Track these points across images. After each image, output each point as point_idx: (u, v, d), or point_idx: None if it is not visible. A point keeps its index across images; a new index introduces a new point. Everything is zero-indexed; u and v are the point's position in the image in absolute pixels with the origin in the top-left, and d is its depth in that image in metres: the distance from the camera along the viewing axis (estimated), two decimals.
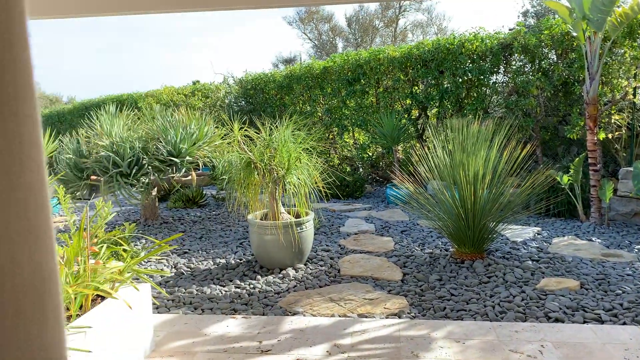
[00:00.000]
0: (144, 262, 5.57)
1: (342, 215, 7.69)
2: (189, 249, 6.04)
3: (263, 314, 4.00)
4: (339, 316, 3.90)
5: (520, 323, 3.64)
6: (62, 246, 3.24)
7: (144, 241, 6.45)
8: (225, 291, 4.55)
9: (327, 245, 5.94)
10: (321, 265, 5.19)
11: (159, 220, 7.55)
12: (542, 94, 8.13)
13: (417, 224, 6.95)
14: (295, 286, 4.63)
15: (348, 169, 10.44)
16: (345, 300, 4.22)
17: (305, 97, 11.03)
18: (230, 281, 4.80)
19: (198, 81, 15.19)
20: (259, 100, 11.63)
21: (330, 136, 10.89)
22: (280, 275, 4.92)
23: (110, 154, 6.43)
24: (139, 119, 7.66)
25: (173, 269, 5.32)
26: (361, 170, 10.49)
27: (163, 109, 7.97)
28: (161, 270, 5.09)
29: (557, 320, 3.71)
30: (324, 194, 5.30)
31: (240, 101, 11.99)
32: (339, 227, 6.89)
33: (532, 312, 3.84)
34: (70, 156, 6.60)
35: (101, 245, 3.28)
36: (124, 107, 8.67)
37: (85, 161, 6.55)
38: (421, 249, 5.66)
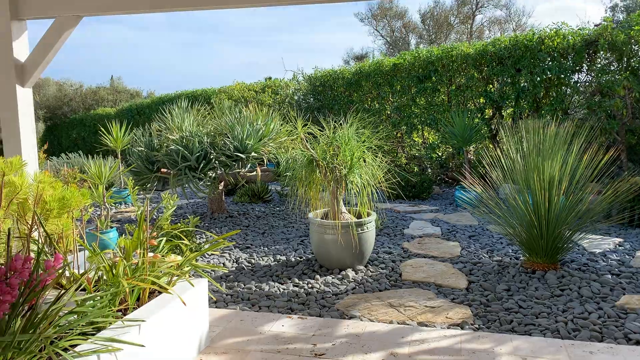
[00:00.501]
0: (207, 254, 5.65)
1: (406, 216, 7.48)
2: (251, 244, 6.08)
3: (319, 316, 3.92)
4: (398, 323, 3.75)
5: (595, 343, 3.34)
6: (125, 238, 3.31)
7: (209, 234, 6.57)
8: (284, 289, 4.51)
9: (389, 248, 5.78)
10: (382, 268, 5.05)
11: (225, 214, 7.67)
12: (629, 95, 7.52)
13: (486, 229, 6.63)
14: (354, 288, 4.52)
15: (415, 169, 10.17)
16: (405, 307, 4.06)
17: (373, 94, 10.87)
18: (289, 279, 4.76)
19: (269, 78, 15.38)
20: (327, 97, 11.58)
21: (398, 135, 10.66)
22: (340, 276, 4.83)
23: (180, 147, 6.58)
24: (208, 114, 7.82)
25: (234, 263, 5.35)
26: (429, 170, 10.20)
27: (232, 104, 8.09)
28: (221, 265, 5.14)
29: (638, 342, 3.37)
30: (388, 194, 5.14)
31: (309, 98, 12.00)
32: (403, 229, 6.70)
33: (609, 331, 3.52)
34: (142, 149, 6.82)
35: (161, 238, 3.32)
36: (197, 103, 8.89)
37: (156, 154, 6.74)
38: (489, 256, 5.38)
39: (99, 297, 2.54)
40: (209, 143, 6.74)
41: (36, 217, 3.12)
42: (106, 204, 5.85)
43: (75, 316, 2.39)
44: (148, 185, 6.92)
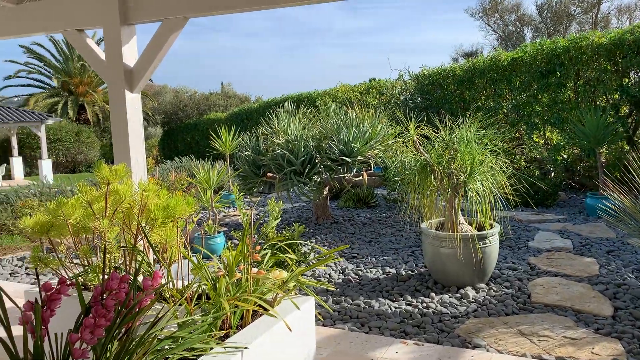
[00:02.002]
0: (311, 262, 5.40)
1: (530, 226, 6.73)
2: (357, 253, 5.73)
3: (438, 342, 3.47)
4: (532, 357, 3.20)
5: None
6: (228, 250, 3.11)
7: (313, 241, 6.32)
8: (395, 307, 4.11)
9: (513, 263, 5.15)
10: (507, 287, 4.47)
11: (329, 220, 7.41)
12: None
13: (627, 243, 5.74)
14: (475, 310, 4.00)
15: (537, 172, 9.26)
16: (539, 336, 3.48)
17: (488, 92, 10.08)
18: (401, 296, 4.35)
19: (374, 78, 15.00)
20: (436, 97, 10.97)
21: (517, 135, 9.78)
22: (458, 294, 4.32)
23: (285, 152, 6.41)
24: (314, 117, 7.61)
25: (341, 274, 5.04)
26: (553, 174, 9.23)
27: (337, 107, 7.82)
28: (326, 279, 4.83)
29: None
30: (507, 201, 4.54)
31: (416, 98, 11.45)
32: (527, 240, 5.99)
33: None
34: (249, 153, 6.75)
35: (265, 251, 3.07)
36: (302, 105, 8.74)
37: (262, 158, 6.63)
38: (636, 277, 4.58)
39: (199, 320, 2.31)
40: (314, 147, 6.50)
41: (140, 227, 2.99)
42: (214, 208, 5.81)
43: (173, 341, 2.17)
44: (254, 190, 6.83)
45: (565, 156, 8.94)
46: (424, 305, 4.13)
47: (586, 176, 8.93)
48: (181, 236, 3.22)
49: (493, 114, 9.38)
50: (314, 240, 6.36)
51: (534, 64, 8.97)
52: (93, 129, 27.49)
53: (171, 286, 3.01)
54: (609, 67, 8.09)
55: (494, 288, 4.44)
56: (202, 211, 8.30)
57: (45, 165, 20.66)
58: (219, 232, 5.80)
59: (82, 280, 3.34)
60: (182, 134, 24.21)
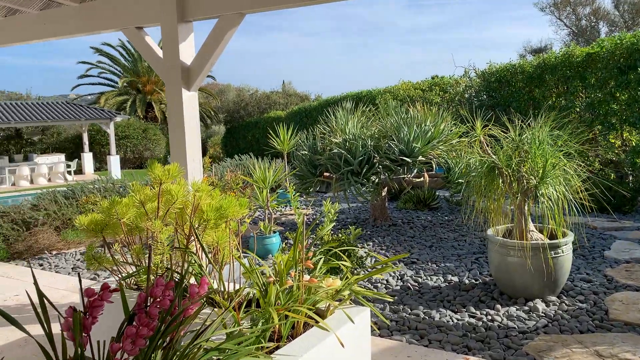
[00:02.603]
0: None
1: (605, 234, 6.23)
2: (417, 259, 5.48)
3: None
4: None
5: None
6: (283, 250, 2.99)
7: (370, 244, 6.12)
8: (457, 319, 3.85)
9: (587, 274, 4.75)
10: (580, 302, 4.10)
11: (387, 222, 7.17)
12: None
13: None
14: (545, 326, 3.68)
15: (612, 175, 8.63)
16: (619, 359, 3.14)
17: (560, 89, 9.49)
18: (464, 307, 4.08)
19: (436, 76, 14.57)
20: (503, 94, 10.45)
21: (591, 135, 9.15)
22: (526, 307, 4.01)
23: (343, 151, 6.24)
24: (373, 115, 7.39)
25: (399, 281, 4.82)
26: (631, 178, 8.56)
27: (398, 105, 7.56)
28: (383, 289, 4.61)
29: None
30: (581, 206, 4.16)
31: (482, 95, 10.98)
32: (603, 250, 5.53)
33: None
34: (306, 152, 6.63)
35: (319, 256, 2.91)
36: (362, 104, 8.54)
37: (319, 158, 6.50)
38: None
39: (247, 332, 2.18)
40: (372, 146, 6.29)
41: (192, 228, 2.91)
42: (270, 208, 5.73)
43: (219, 352, 2.05)
44: (311, 190, 6.71)
45: None
46: (489, 318, 3.85)
47: None
48: (234, 238, 3.12)
49: (565, 113, 8.82)
50: (370, 243, 6.16)
51: (612, 60, 8.34)
52: (159, 127, 28.40)
53: (222, 289, 2.91)
54: None
55: (566, 302, 4.09)
56: (259, 209, 8.28)
57: (114, 161, 21.52)
58: (274, 232, 5.71)
59: (134, 280, 3.31)
60: (244, 132, 24.53)
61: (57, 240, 6.17)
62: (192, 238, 3.12)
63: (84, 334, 1.82)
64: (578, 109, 9.15)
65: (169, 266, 3.05)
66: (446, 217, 7.56)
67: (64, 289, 4.77)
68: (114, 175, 19.58)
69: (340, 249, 2.93)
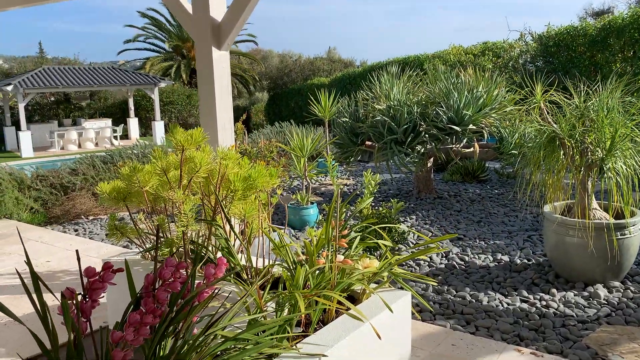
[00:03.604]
0: (409, 239, 4.89)
1: None
2: (464, 235, 5.12)
3: (561, 353, 2.86)
4: None
5: None
6: (314, 229, 2.71)
7: (414, 217, 5.78)
8: (508, 304, 3.51)
9: None
10: None
11: (433, 194, 6.79)
12: None
13: None
14: (608, 315, 3.30)
15: None
16: None
17: (626, 54, 8.72)
18: (515, 290, 3.73)
19: (489, 41, 13.75)
20: (561, 60, 9.73)
21: None
22: (585, 293, 3.62)
23: (386, 118, 5.87)
24: (420, 80, 6.94)
25: (444, 259, 4.49)
26: None
27: (447, 70, 7.07)
28: (424, 276, 4.30)
29: None
30: None
31: (538, 61, 10.26)
32: None
33: None
34: (347, 119, 6.29)
35: (356, 234, 2.62)
36: (408, 69, 8.07)
37: (361, 125, 6.14)
38: None
39: (269, 321, 1.93)
40: (418, 113, 5.88)
41: (217, 199, 2.67)
42: (307, 178, 5.45)
43: (236, 342, 1.81)
44: (351, 159, 6.38)
45: None
46: (543, 303, 3.49)
47: None
48: (263, 210, 2.87)
49: (633, 80, 8.08)
50: (414, 217, 5.82)
51: None
52: None
53: (249, 265, 2.67)
54: None
55: (631, 288, 3.68)
56: (297, 179, 8.04)
57: (158, 127, 21.71)
58: (312, 203, 5.45)
59: (154, 255, 3.12)
60: (287, 99, 24.23)
61: (94, 206, 6.12)
62: (219, 210, 2.89)
63: (83, 319, 1.60)
64: None
65: (193, 239, 2.83)
66: (496, 191, 7.11)
67: (96, 257, 4.69)
68: (158, 140, 19.76)
69: (379, 225, 2.63)
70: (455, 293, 3.69)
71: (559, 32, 9.80)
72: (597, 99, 3.83)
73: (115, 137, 21.27)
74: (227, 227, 2.78)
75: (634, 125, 3.73)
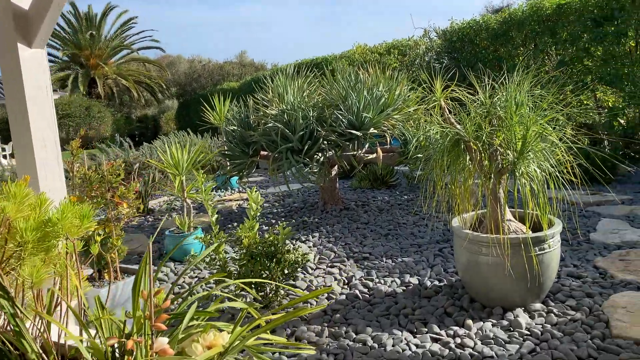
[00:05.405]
0: (311, 269, 4.20)
1: (588, 211, 5.39)
2: (370, 253, 4.51)
3: None
4: None
5: None
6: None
7: (317, 235, 5.11)
8: (417, 346, 2.89)
9: (575, 267, 3.87)
10: (572, 308, 3.20)
11: (339, 206, 6.17)
12: None
13: None
14: (532, 351, 2.76)
15: (586, 141, 7.81)
16: None
17: (527, 47, 8.58)
18: (425, 325, 3.12)
19: (394, 40, 13.48)
20: (465, 55, 9.50)
21: (561, 97, 8.29)
22: (505, 322, 3.07)
23: (280, 125, 5.16)
24: (318, 81, 6.29)
25: (345, 285, 3.84)
26: (606, 143, 7.77)
27: (353, 70, 6.47)
28: (324, 313, 3.59)
29: None
30: (557, 179, 3.22)
31: (443, 57, 9.99)
32: (588, 231, 4.68)
33: None
34: (235, 127, 5.51)
35: (183, 309, 1.86)
36: (310, 70, 7.40)
37: (252, 134, 5.39)
38: None
39: None
40: (315, 118, 5.22)
41: None
42: (187, 199, 4.63)
43: None
44: (245, 172, 5.61)
45: (623, 122, 7.46)
46: (458, 341, 2.90)
47: None
48: (72, 266, 2.04)
49: (539, 72, 7.90)
50: (317, 234, 5.15)
51: (585, 11, 7.44)
52: (105, 103, 26.56)
53: (39, 351, 1.84)
54: None
55: (554, 311, 3.18)
56: (177, 200, 7.13)
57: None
58: (195, 228, 4.63)
59: None
60: (196, 105, 23.04)
61: None
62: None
63: None
64: (547, 68, 8.26)
65: None
66: (405, 197, 6.61)
67: None
68: None
69: (245, 283, 1.89)
70: (354, 337, 3.02)
71: (463, 27, 9.57)
72: (505, 94, 3.33)
73: (4, 156, 19.17)
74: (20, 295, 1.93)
75: (547, 122, 3.25)
